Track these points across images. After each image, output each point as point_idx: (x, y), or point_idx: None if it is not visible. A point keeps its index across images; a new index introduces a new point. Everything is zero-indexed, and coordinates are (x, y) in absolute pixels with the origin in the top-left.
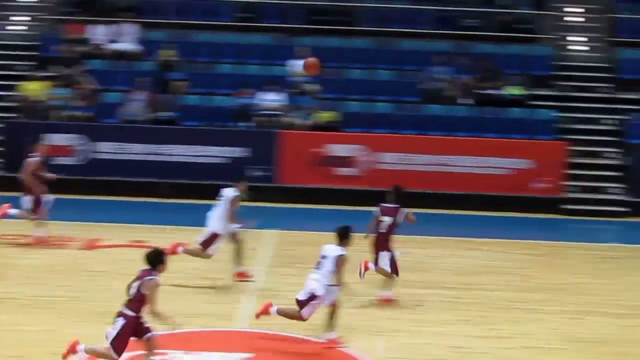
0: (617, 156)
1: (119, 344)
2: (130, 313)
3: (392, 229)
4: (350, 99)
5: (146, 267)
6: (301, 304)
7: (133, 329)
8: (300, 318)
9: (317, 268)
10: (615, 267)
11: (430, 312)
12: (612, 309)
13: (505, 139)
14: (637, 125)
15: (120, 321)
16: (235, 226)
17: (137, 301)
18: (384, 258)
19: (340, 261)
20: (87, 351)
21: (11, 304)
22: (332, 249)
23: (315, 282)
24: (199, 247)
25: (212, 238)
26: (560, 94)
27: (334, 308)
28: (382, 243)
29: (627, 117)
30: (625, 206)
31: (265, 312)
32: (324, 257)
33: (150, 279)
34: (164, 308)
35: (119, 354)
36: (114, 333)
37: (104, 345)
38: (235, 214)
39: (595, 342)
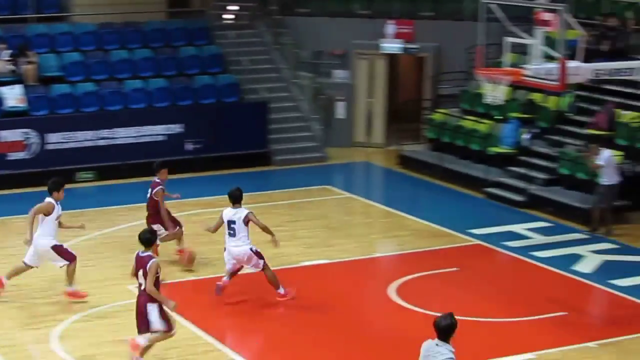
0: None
1: (166, 320)
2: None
3: None
4: None
5: (142, 249)
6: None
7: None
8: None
9: (232, 235)
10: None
11: None
12: None
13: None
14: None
15: (153, 307)
16: None
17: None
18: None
19: (250, 219)
20: (149, 341)
21: None
22: (235, 212)
23: (237, 247)
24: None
25: None
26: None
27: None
28: None
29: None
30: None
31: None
32: (231, 222)
33: (153, 262)
34: None
35: (173, 327)
36: (156, 318)
37: (154, 333)
38: None
39: None
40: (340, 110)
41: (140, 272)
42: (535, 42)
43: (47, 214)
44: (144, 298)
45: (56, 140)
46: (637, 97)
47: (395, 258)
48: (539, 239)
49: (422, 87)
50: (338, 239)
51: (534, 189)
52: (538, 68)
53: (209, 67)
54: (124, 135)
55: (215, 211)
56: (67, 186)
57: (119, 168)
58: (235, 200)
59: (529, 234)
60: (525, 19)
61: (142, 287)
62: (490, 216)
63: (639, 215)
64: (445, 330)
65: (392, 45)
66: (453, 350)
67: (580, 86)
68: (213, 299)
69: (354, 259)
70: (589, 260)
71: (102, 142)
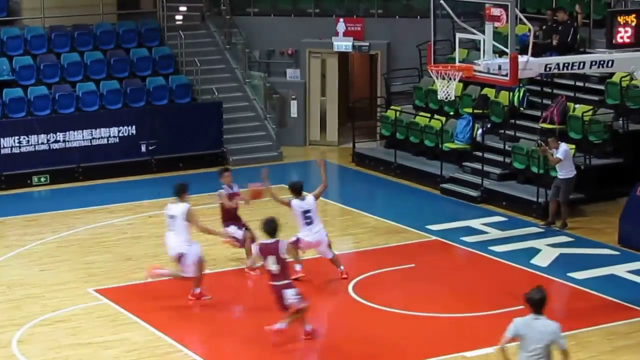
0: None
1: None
2: None
3: None
4: None
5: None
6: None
7: None
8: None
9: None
10: None
11: None
12: None
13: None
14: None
15: (290, 291)
16: None
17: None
18: None
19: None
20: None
21: None
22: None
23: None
24: None
25: None
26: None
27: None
28: None
29: None
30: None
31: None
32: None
33: (283, 244)
34: None
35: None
36: (293, 298)
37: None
38: None
39: None
40: (293, 109)
41: (271, 260)
42: (485, 38)
43: None
44: (279, 285)
45: (9, 144)
46: (588, 90)
47: (352, 256)
48: (496, 233)
49: (375, 85)
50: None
51: (488, 183)
52: (489, 63)
53: (161, 68)
54: (78, 138)
55: None
56: (22, 190)
57: (74, 171)
58: (298, 191)
59: (486, 228)
60: (475, 14)
61: (275, 273)
62: (446, 212)
63: (593, 208)
64: (540, 303)
65: (343, 44)
66: None
67: (531, 81)
68: (173, 301)
69: (311, 257)
70: (546, 253)
71: (55, 146)
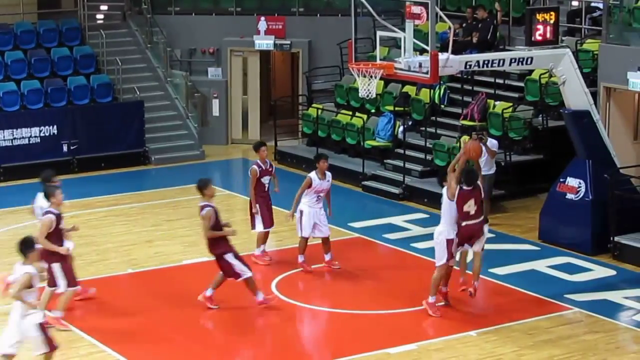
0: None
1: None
2: None
3: None
4: None
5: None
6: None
7: None
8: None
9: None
10: None
11: None
12: None
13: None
14: None
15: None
16: None
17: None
18: None
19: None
20: None
21: None
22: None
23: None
24: None
25: None
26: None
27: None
28: None
29: None
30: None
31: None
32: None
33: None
34: None
35: None
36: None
37: None
38: None
39: None
40: (215, 108)
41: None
42: (406, 36)
43: None
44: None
45: None
46: (508, 87)
47: (275, 254)
48: (418, 230)
49: (296, 83)
50: None
51: (410, 181)
52: (410, 61)
53: (82, 67)
54: None
55: (94, 212)
56: None
57: None
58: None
59: (408, 225)
60: (396, 12)
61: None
62: (368, 209)
63: (514, 204)
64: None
65: (264, 42)
66: None
67: (451, 78)
68: (94, 301)
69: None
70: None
71: None
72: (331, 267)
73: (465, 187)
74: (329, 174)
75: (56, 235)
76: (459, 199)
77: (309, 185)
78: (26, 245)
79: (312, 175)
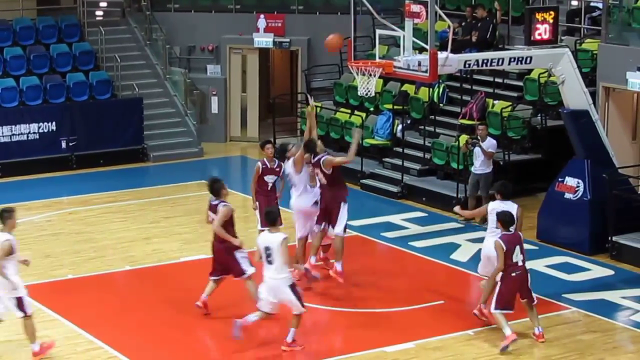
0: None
1: None
2: None
3: None
4: None
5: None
6: None
7: None
8: None
9: None
10: None
11: None
12: None
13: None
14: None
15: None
16: None
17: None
18: None
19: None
20: None
21: None
22: None
23: None
24: None
25: None
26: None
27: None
28: None
29: None
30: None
31: None
32: None
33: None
34: None
35: None
36: None
37: None
38: None
39: None
40: (214, 105)
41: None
42: (405, 34)
43: None
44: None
45: None
46: (507, 86)
47: None
48: (416, 229)
49: (295, 81)
50: None
51: (408, 179)
52: (409, 60)
53: (81, 64)
54: None
55: (92, 208)
56: None
57: None
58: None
59: (406, 224)
60: (395, 11)
61: None
62: (367, 208)
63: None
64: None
65: (263, 40)
66: None
67: (450, 77)
68: (92, 298)
69: None
70: (466, 249)
71: None
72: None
73: None
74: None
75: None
76: None
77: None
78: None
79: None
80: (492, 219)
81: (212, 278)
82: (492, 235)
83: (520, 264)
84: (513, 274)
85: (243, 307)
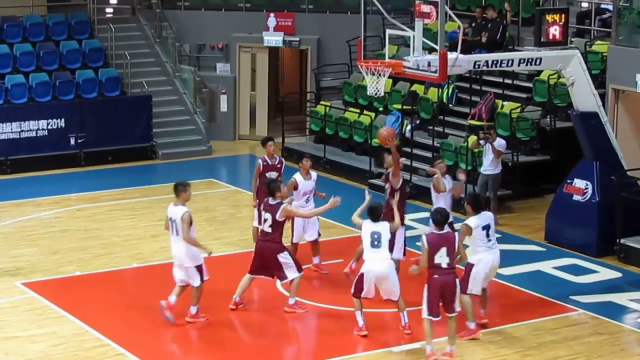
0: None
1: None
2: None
3: None
4: None
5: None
6: None
7: None
8: None
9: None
10: None
11: None
12: None
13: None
14: None
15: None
16: None
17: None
18: None
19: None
20: None
21: None
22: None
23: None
24: None
25: None
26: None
27: None
28: None
29: None
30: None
31: None
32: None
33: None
34: None
35: None
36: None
37: None
38: None
39: None
40: (223, 103)
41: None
42: (415, 34)
43: None
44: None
45: None
46: (516, 87)
47: None
48: (424, 229)
49: (305, 80)
50: (224, 232)
51: (417, 179)
52: (419, 60)
53: (91, 61)
54: (6, 130)
55: (101, 205)
56: None
57: (2, 164)
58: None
59: (414, 224)
60: (406, 11)
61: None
62: None
63: (520, 204)
64: None
65: (273, 38)
66: None
67: (460, 77)
68: (100, 295)
69: (240, 252)
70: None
71: None
72: (320, 272)
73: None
74: (314, 173)
75: None
76: None
77: (295, 187)
78: None
79: (297, 176)
80: (481, 234)
81: (251, 275)
82: (485, 251)
83: (444, 266)
84: (435, 276)
85: (250, 307)
